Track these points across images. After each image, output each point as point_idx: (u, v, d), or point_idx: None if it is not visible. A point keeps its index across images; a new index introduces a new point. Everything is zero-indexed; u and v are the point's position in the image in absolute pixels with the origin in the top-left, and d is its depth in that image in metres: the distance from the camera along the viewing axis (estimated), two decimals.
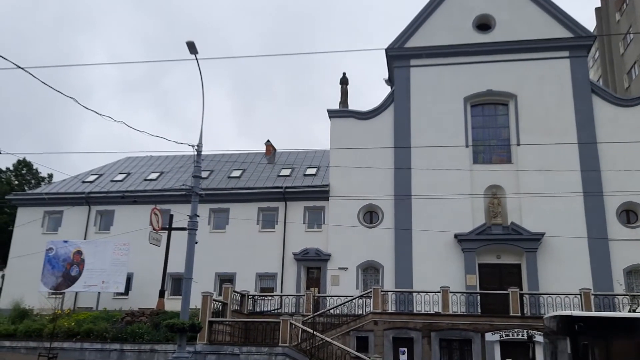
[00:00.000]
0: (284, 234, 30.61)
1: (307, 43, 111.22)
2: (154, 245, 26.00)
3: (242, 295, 24.83)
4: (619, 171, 26.77)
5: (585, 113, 28.76)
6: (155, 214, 25.94)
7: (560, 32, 30.12)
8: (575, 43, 29.96)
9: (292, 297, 25.99)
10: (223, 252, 30.51)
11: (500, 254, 27.95)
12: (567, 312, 12.74)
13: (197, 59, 15.71)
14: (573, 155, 27.98)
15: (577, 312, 12.90)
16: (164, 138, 17.96)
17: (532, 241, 27.20)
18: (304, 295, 25.42)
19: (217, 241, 30.85)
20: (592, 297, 22.10)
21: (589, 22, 52.93)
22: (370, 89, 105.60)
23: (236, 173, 34.56)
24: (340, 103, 32.52)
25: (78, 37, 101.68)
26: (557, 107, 29.17)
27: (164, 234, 26.53)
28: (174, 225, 26.89)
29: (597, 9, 54.58)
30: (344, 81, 32.98)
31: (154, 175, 35.72)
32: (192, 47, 15.30)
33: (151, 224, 25.77)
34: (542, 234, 27.08)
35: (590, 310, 20.99)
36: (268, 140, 38.52)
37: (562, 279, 25.88)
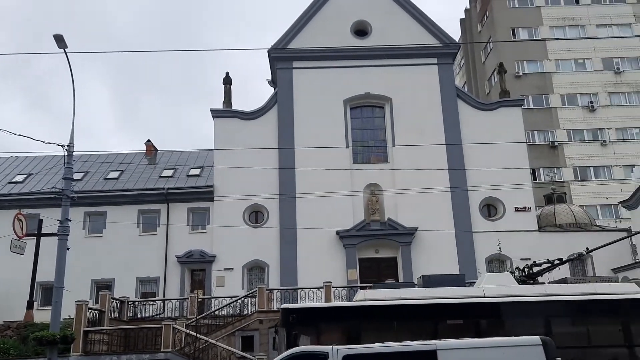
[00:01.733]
0: (167, 237, 29.83)
1: (199, 26, 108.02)
2: (17, 253, 23.97)
3: (122, 302, 23.87)
4: (480, 169, 29.38)
5: (451, 116, 31.24)
6: (19, 220, 23.81)
7: (430, 40, 32.43)
8: (443, 51, 32.44)
9: (175, 300, 25.45)
10: (100, 257, 29.02)
11: (378, 248, 29.51)
12: (285, 305, 13.31)
13: (66, 53, 14.82)
14: (441, 155, 30.26)
15: (294, 305, 13.48)
16: (30, 137, 16.22)
17: (406, 235, 29.05)
18: (187, 299, 25.01)
19: (94, 246, 29.29)
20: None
21: (455, 32, 57.73)
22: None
23: (114, 174, 33.01)
24: (223, 103, 32.35)
25: None
26: (427, 110, 31.36)
27: (32, 241, 24.64)
28: (43, 231, 25.05)
29: (461, 20, 59.34)
30: (227, 81, 32.82)
31: (19, 178, 33.00)
32: (60, 40, 14.40)
33: (14, 230, 23.72)
34: (416, 229, 29.03)
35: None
36: (149, 140, 37.25)
37: (433, 270, 27.85)
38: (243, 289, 28.32)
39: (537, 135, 45.84)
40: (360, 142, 31.82)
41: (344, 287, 25.29)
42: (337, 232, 29.12)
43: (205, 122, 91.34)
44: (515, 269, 14.25)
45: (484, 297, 12.31)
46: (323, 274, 26.82)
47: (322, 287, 23.90)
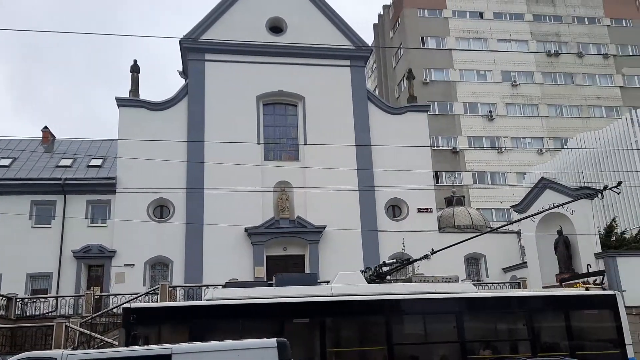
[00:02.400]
0: (62, 230, 28.10)
1: (113, 5, 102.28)
2: None
3: (9, 299, 22.21)
4: (387, 171, 30.33)
5: (361, 118, 32.00)
6: None
7: (343, 42, 33.00)
8: (356, 54, 33.14)
9: (69, 298, 24.04)
10: None
11: (287, 246, 29.61)
12: (127, 304, 12.77)
13: None
14: (351, 155, 30.90)
15: (135, 304, 13.01)
16: None
17: (315, 233, 29.39)
18: (83, 296, 23.72)
19: None
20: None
21: (368, 36, 59.20)
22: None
23: (5, 162, 30.59)
24: (130, 91, 31.00)
25: None
26: (339, 110, 31.89)
27: None
28: None
29: (374, 25, 61.00)
30: (134, 69, 31.45)
31: None
32: None
33: None
34: (324, 227, 29.44)
35: None
36: (46, 127, 34.90)
37: (339, 267, 28.38)
38: (144, 285, 27.30)
39: (441, 140, 48.18)
40: (272, 139, 31.75)
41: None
42: (246, 229, 28.87)
43: (112, 111, 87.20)
44: (367, 268, 14.68)
45: (332, 295, 12.41)
46: (229, 271, 26.45)
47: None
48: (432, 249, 14.32)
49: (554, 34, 54.15)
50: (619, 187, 14.33)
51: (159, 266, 28.65)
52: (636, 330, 21.48)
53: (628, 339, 12.75)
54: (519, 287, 25.81)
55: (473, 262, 31.43)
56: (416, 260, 14.76)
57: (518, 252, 31.08)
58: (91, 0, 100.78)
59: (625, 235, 26.67)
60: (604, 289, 13.89)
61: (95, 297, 23.76)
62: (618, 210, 31.65)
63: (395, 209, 31.60)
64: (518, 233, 31.32)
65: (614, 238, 26.08)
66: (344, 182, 29.72)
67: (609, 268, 22.57)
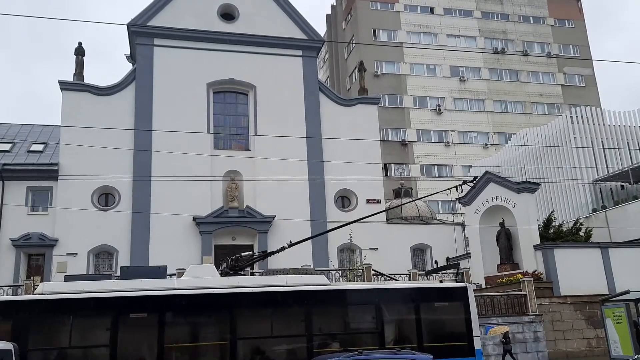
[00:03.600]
0: (0, 217, 26.93)
1: None
2: None
3: None
4: (337, 162, 30.57)
5: (313, 109, 32.06)
6: None
7: (296, 32, 32.89)
8: (307, 44, 33.10)
9: (7, 287, 23.09)
10: None
11: (235, 235, 29.44)
12: None
13: None
14: (302, 146, 30.94)
15: None
16: None
17: (264, 223, 29.35)
18: (22, 285, 22.83)
19: None
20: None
21: (321, 26, 58.94)
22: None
23: None
24: (74, 75, 29.93)
25: None
26: (290, 101, 31.84)
27: None
28: None
29: (327, 16, 61.03)
30: (79, 52, 30.36)
31: None
32: None
33: None
34: (273, 217, 29.43)
35: None
36: None
37: (288, 258, 28.44)
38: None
39: (390, 132, 48.87)
40: (222, 128, 31.40)
41: None
42: (194, 218, 28.52)
43: (55, 91, 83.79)
44: (221, 260, 14.01)
45: (175, 289, 11.85)
46: (177, 260, 25.91)
47: (174, 275, 23.23)
48: (290, 241, 13.92)
49: (501, 31, 55.75)
50: (473, 181, 14.81)
51: (103, 255, 27.97)
52: (570, 319, 22.77)
53: (476, 331, 12.96)
54: (462, 277, 26.65)
55: (419, 252, 32.22)
56: (273, 252, 13.98)
57: (462, 243, 32.07)
58: None
59: (562, 228, 27.94)
60: (457, 282, 14.09)
61: (35, 286, 22.91)
62: (556, 204, 33.12)
63: (344, 200, 31.94)
64: (462, 225, 32.30)
65: (552, 231, 27.27)
66: (294, 173, 29.76)
67: (546, 259, 23.73)
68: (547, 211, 31.06)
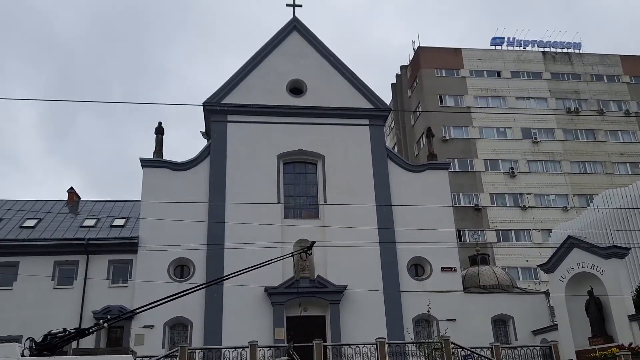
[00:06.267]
0: (84, 291, 28.08)
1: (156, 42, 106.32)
2: None
3: None
4: (409, 229, 29.95)
5: (381, 176, 31.97)
6: None
7: (362, 102, 33.51)
8: (374, 113, 33.56)
9: None
10: (7, 313, 26.75)
11: (307, 306, 29.02)
12: None
13: None
14: (371, 213, 30.66)
15: None
16: None
17: (335, 293, 28.81)
18: None
19: (2, 300, 27.08)
20: (387, 345, 24.00)
21: (387, 94, 60.54)
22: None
23: (30, 222, 31.06)
24: (154, 152, 31.65)
25: None
26: (358, 169, 31.97)
27: None
28: None
29: (393, 85, 62.07)
30: (159, 131, 32.23)
31: None
32: None
33: None
34: (345, 287, 28.88)
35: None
36: (71, 188, 35.62)
37: (361, 329, 27.70)
38: (164, 348, 26.85)
39: (462, 197, 47.76)
40: (292, 198, 31.84)
41: (270, 346, 24.54)
42: (266, 289, 28.49)
43: (132, 171, 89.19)
44: (28, 339, 11.15)
45: None
46: (249, 332, 25.95)
47: (247, 347, 23.08)
48: (108, 316, 11.73)
49: (573, 91, 54.40)
50: (311, 248, 13.21)
51: (178, 327, 28.25)
52: None
53: None
54: (550, 352, 24.74)
55: (501, 324, 30.31)
56: (90, 329, 11.28)
57: (547, 313, 29.94)
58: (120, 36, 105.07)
59: None
60: None
61: None
62: None
63: (417, 268, 30.98)
64: (546, 293, 30.31)
65: None
66: (364, 241, 29.38)
67: None
68: (639, 277, 28.67)
